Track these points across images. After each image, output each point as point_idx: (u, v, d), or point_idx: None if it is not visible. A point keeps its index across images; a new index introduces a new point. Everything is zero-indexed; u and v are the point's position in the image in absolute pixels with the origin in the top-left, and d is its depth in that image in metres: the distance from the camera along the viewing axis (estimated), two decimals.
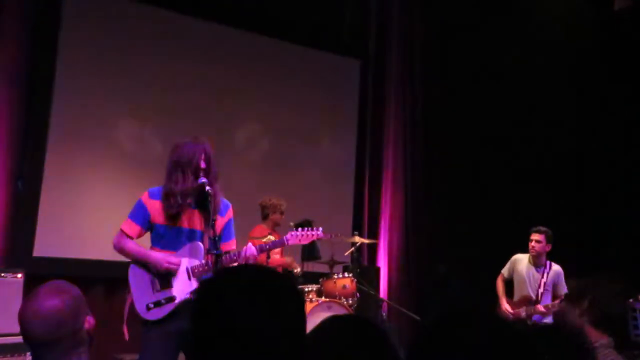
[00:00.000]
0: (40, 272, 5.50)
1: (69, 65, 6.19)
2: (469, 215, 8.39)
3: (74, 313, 2.01)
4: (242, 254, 3.49)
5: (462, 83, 8.55)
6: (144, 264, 3.44)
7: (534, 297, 5.76)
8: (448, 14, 8.45)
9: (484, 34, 8.51)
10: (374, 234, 8.07)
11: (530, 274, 5.85)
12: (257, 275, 1.32)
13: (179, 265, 3.41)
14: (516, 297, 5.92)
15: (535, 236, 5.80)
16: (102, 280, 6.05)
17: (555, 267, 5.83)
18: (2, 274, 4.66)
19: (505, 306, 5.87)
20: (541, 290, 5.74)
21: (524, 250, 5.93)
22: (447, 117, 8.55)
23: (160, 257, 3.41)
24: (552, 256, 5.92)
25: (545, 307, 5.64)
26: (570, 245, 7.80)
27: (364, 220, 8.15)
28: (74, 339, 2.01)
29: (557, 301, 5.64)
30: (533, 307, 5.71)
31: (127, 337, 3.46)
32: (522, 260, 5.95)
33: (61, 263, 5.96)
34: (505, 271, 6.05)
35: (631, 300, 6.28)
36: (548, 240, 5.78)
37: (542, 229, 5.80)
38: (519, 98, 8.50)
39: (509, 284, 6.06)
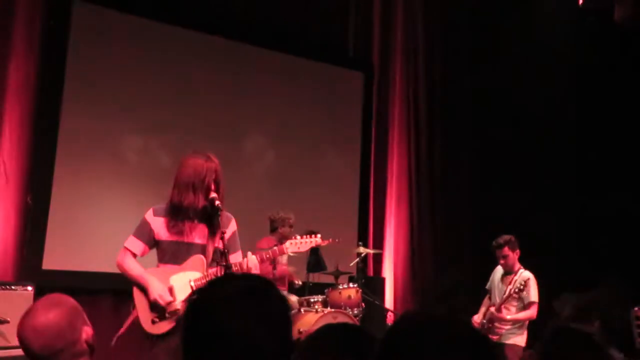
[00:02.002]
0: (50, 285, 5.60)
1: (76, 80, 6.29)
2: (474, 225, 8.42)
3: (70, 324, 2.04)
4: (244, 265, 3.54)
5: (466, 94, 8.62)
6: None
7: (498, 301, 5.51)
8: (451, 27, 8.54)
9: (487, 47, 8.59)
10: (379, 244, 8.12)
11: (499, 282, 5.67)
12: (243, 283, 1.37)
13: (169, 302, 3.43)
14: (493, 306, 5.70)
15: (499, 253, 5.57)
16: (111, 292, 6.12)
17: (525, 274, 5.51)
18: (13, 287, 4.74)
19: (474, 317, 5.72)
20: (505, 295, 5.43)
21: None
22: (452, 127, 8.61)
23: (155, 289, 3.43)
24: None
25: (496, 308, 5.40)
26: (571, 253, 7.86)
27: (369, 231, 8.19)
28: (74, 350, 2.04)
29: (505, 297, 5.40)
30: (493, 312, 5.46)
31: (112, 343, 3.52)
32: (498, 271, 5.76)
33: (70, 275, 6.04)
34: (488, 285, 5.86)
35: (636, 308, 6.24)
36: (512, 248, 5.55)
37: (501, 241, 5.55)
38: (523, 108, 8.56)
39: None
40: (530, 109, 8.48)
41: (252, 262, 3.55)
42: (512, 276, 5.58)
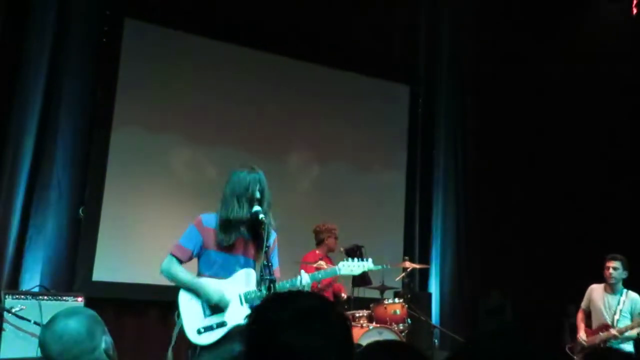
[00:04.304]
0: (99, 296, 5.73)
1: (127, 95, 6.45)
2: (523, 239, 8.26)
3: (89, 332, 2.10)
4: (297, 283, 3.52)
5: (514, 106, 8.48)
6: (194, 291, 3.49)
7: (609, 322, 5.66)
8: (499, 38, 8.42)
9: (536, 56, 8.45)
10: (425, 259, 8.02)
11: (605, 301, 5.76)
12: (308, 302, 1.39)
13: (228, 302, 3.44)
14: (594, 326, 5.82)
15: (611, 263, 5.70)
16: (158, 304, 6.19)
17: (633, 295, 5.71)
18: (64, 298, 4.85)
19: (581, 334, 5.81)
20: (617, 316, 5.64)
21: (596, 278, 5.83)
22: (499, 141, 8.48)
23: (215, 290, 3.43)
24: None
25: (618, 330, 5.55)
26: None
27: (415, 245, 8.11)
28: (91, 358, 2.09)
29: (631, 325, 5.55)
30: (607, 331, 5.61)
31: (168, 355, 3.53)
32: (597, 290, 5.87)
33: (119, 287, 6.16)
34: (583, 304, 5.97)
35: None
36: (624, 267, 5.68)
37: (618, 256, 5.70)
38: (573, 117, 8.39)
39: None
40: (585, 108, 8.30)
41: (305, 281, 3.54)
42: (618, 296, 5.72)
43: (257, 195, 3.49)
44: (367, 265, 3.82)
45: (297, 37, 7.46)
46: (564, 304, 7.78)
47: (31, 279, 5.57)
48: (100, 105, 6.35)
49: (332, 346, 1.33)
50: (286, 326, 1.32)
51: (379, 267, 4.05)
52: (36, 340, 4.40)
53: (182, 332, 3.46)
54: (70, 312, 2.16)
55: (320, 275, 3.73)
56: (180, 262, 3.54)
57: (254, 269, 3.53)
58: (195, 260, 3.60)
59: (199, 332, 3.42)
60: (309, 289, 3.63)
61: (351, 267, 3.79)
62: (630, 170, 8.42)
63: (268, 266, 3.39)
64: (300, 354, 1.30)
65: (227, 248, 3.49)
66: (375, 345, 1.56)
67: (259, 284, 3.47)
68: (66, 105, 6.03)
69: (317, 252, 6.01)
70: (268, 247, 3.43)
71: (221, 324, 3.43)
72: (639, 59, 8.26)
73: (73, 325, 2.08)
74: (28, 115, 5.76)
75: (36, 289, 5.19)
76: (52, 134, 5.91)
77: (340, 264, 3.81)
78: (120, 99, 6.42)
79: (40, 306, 4.57)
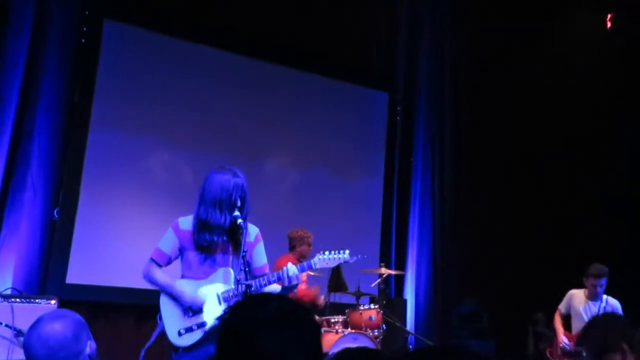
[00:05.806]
0: (73, 299, 5.67)
1: (105, 97, 6.41)
2: (499, 246, 8.34)
3: (74, 336, 2.10)
4: (284, 274, 3.49)
5: (493, 114, 8.58)
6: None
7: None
8: (478, 45, 8.52)
9: (514, 64, 8.56)
10: (401, 265, 8.07)
11: (586, 309, 5.83)
12: (279, 305, 1.39)
13: (201, 304, 3.46)
14: (574, 332, 5.88)
15: (601, 281, 5.73)
16: (133, 307, 6.16)
17: (612, 301, 5.78)
18: (37, 300, 4.79)
19: (563, 338, 5.87)
20: None
21: (579, 284, 5.91)
22: (476, 147, 8.57)
23: (188, 295, 3.45)
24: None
25: None
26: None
27: (391, 251, 8.16)
28: None
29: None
30: None
31: (141, 356, 3.52)
32: (577, 295, 5.94)
33: (93, 290, 6.10)
34: (562, 307, 6.04)
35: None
36: (608, 277, 5.76)
37: (605, 271, 5.73)
38: (550, 126, 8.51)
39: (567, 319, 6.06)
40: (563, 117, 8.43)
41: (292, 272, 3.51)
42: (599, 303, 5.78)
43: (239, 203, 3.49)
44: (342, 257, 3.72)
45: (277, 43, 7.47)
46: (532, 311, 7.90)
47: (3, 281, 5.48)
48: (77, 106, 6.29)
49: (302, 351, 1.33)
50: (256, 329, 1.32)
51: (356, 257, 3.83)
52: (7, 343, 4.37)
53: (161, 335, 3.47)
54: (56, 315, 2.14)
55: (302, 268, 3.63)
56: (160, 265, 3.55)
57: (233, 267, 3.53)
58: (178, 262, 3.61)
59: (179, 333, 3.44)
60: (298, 280, 3.56)
61: (326, 260, 3.70)
62: (605, 181, 8.55)
63: (245, 271, 3.39)
64: (268, 356, 1.30)
65: (205, 248, 3.50)
66: (345, 353, 1.58)
67: (236, 282, 3.48)
68: (43, 105, 5.95)
69: (290, 256, 6.01)
70: (245, 251, 3.43)
71: (201, 325, 3.44)
72: (614, 71, 8.42)
73: (59, 329, 2.07)
74: (4, 114, 5.68)
75: (8, 292, 5.11)
76: (28, 134, 5.83)
77: (316, 258, 3.70)
78: (98, 100, 6.37)
79: (12, 309, 4.52)
